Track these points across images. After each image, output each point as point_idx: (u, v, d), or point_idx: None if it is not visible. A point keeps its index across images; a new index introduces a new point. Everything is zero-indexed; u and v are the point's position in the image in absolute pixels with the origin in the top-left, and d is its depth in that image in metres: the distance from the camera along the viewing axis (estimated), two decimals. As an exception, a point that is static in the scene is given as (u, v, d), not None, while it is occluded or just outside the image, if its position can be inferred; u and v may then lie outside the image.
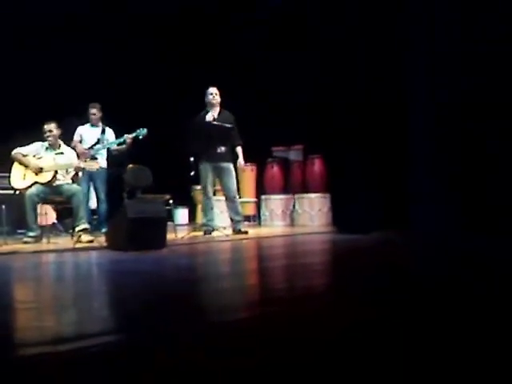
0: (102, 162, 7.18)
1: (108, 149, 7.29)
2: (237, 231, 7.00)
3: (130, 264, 4.38)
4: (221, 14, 9.16)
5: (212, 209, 7.15)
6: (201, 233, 7.03)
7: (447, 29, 6.39)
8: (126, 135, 7.10)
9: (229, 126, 6.88)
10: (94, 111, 7.33)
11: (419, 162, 6.82)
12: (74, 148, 7.05)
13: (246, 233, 6.97)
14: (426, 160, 6.75)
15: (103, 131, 7.31)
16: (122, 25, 8.83)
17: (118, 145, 7.22)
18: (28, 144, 6.56)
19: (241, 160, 7.28)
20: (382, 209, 6.71)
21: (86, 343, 1.87)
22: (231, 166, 7.10)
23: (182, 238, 6.56)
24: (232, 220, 7.14)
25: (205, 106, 7.09)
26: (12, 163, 6.47)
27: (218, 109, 7.07)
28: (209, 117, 6.93)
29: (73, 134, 7.30)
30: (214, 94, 7.05)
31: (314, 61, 7.92)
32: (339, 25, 7.28)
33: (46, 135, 6.54)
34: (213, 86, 7.12)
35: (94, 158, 6.92)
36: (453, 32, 6.31)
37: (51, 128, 6.54)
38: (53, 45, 8.27)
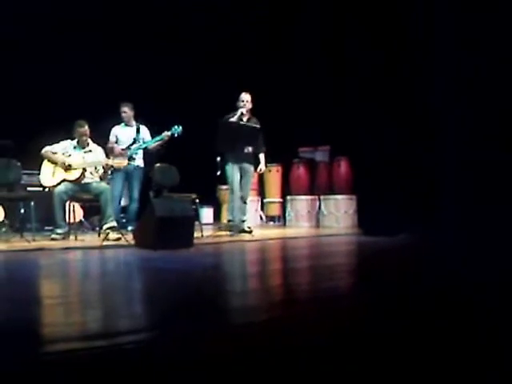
0: (138, 161, 7.22)
1: (145, 148, 7.31)
2: (242, 230, 6.97)
3: (157, 262, 4.39)
4: (252, 14, 9.15)
5: (238, 207, 7.12)
6: (225, 232, 7.01)
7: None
8: (164, 133, 7.08)
9: (257, 126, 6.87)
10: (125, 109, 7.34)
11: (447, 163, 6.73)
12: (111, 149, 7.08)
13: (251, 232, 6.91)
14: (455, 161, 6.66)
15: (138, 130, 7.33)
16: (155, 24, 8.87)
17: (157, 142, 7.21)
18: (57, 142, 6.62)
19: (262, 166, 7.33)
20: (408, 211, 6.64)
21: (112, 341, 1.87)
22: (252, 168, 7.14)
23: (209, 236, 6.57)
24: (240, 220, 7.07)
25: (235, 109, 7.06)
26: (41, 161, 6.54)
27: (247, 115, 7.06)
28: (236, 117, 6.91)
29: (108, 134, 7.32)
30: (245, 101, 7.01)
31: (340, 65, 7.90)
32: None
33: (78, 134, 6.57)
34: (246, 92, 7.08)
35: (131, 159, 6.96)
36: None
37: (86, 128, 6.59)
38: (85, 43, 8.34)
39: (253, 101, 7.10)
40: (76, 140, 6.62)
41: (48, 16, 8.02)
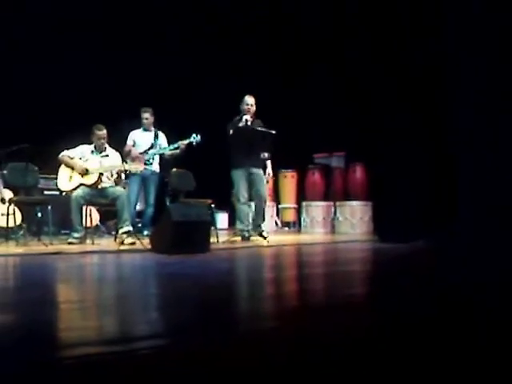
0: (155, 166, 7.25)
1: (162, 154, 7.32)
2: (260, 235, 6.92)
3: (173, 267, 4.40)
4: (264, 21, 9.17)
5: (248, 214, 7.08)
6: (239, 238, 6.99)
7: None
8: (180, 142, 7.06)
9: (272, 131, 6.82)
10: (147, 115, 7.39)
11: (465, 168, 6.68)
12: (128, 152, 7.12)
13: (266, 237, 6.84)
14: (472, 166, 6.61)
15: (156, 136, 7.37)
16: (175, 29, 8.93)
17: (172, 150, 7.23)
18: (75, 147, 6.67)
19: (270, 171, 7.35)
20: (424, 217, 6.59)
21: (127, 347, 1.87)
22: (262, 172, 7.10)
23: (224, 242, 6.57)
24: (258, 225, 7.00)
25: (239, 112, 7.06)
26: (59, 165, 6.59)
27: (251, 118, 7.00)
28: (242, 123, 6.87)
29: (125, 139, 7.37)
30: (250, 104, 6.94)
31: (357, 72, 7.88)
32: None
33: (96, 138, 6.61)
34: (250, 95, 7.01)
35: (148, 163, 6.98)
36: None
37: (104, 131, 6.64)
38: (104, 48, 8.41)
39: (256, 103, 7.02)
40: (93, 144, 6.66)
41: (65, 19, 8.10)
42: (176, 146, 7.13)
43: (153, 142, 7.35)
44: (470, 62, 6.47)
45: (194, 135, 7.00)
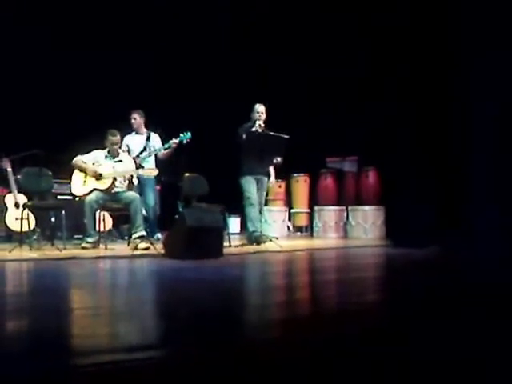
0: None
1: (156, 155, 7.31)
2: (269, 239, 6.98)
3: (187, 273, 4.40)
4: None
5: (259, 219, 7.08)
6: (250, 243, 6.93)
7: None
8: (171, 140, 7.07)
9: (284, 136, 6.79)
10: (135, 116, 7.38)
11: (478, 173, 6.64)
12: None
13: (277, 238, 6.94)
14: (485, 172, 6.57)
15: (148, 138, 7.37)
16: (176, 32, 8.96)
17: (164, 150, 7.20)
18: (88, 152, 6.68)
19: (272, 179, 7.42)
20: (438, 222, 6.56)
21: (136, 355, 1.86)
22: (266, 179, 7.19)
23: (237, 246, 6.57)
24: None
25: (249, 120, 7.02)
26: (72, 170, 6.60)
27: (262, 127, 6.98)
28: (256, 127, 6.87)
29: None
30: (261, 112, 6.95)
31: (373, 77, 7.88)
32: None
33: (109, 143, 6.62)
34: (260, 103, 7.01)
35: (141, 167, 6.96)
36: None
37: (118, 137, 6.65)
38: (116, 53, 8.45)
39: (267, 111, 7.02)
40: (107, 149, 6.67)
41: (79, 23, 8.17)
42: (167, 146, 7.12)
43: (145, 144, 7.34)
44: (483, 64, 6.45)
45: (184, 133, 7.03)
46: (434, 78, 6.99)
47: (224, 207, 6.91)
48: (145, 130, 7.45)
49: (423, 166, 6.94)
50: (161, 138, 7.42)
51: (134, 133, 7.45)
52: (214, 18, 8.97)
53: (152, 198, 7.22)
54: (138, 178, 6.70)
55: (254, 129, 6.85)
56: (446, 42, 6.83)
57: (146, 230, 6.41)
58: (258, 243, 6.84)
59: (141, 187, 7.13)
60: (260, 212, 7.11)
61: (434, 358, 1.77)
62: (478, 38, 6.53)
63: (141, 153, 7.29)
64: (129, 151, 7.32)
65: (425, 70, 7.06)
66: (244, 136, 6.71)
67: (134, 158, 7.12)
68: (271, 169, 7.28)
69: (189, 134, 7.04)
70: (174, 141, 7.06)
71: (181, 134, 7.05)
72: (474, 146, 6.65)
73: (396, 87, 7.40)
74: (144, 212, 7.33)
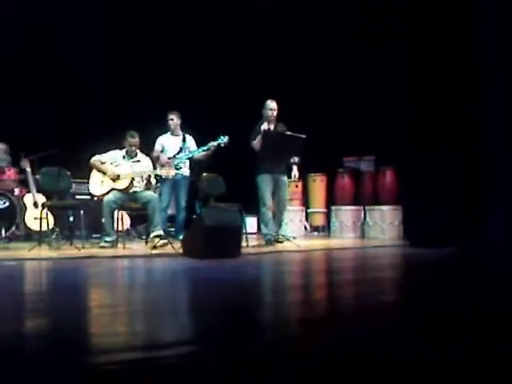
0: (185, 170, 7.26)
1: (191, 157, 7.33)
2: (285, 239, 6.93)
3: (206, 272, 4.40)
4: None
5: (272, 219, 7.03)
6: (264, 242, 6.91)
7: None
8: (210, 143, 7.09)
9: (302, 136, 6.76)
10: (172, 117, 7.38)
11: (497, 172, 6.57)
12: (157, 158, 7.12)
13: (295, 238, 6.87)
14: (505, 172, 6.51)
15: (184, 139, 7.38)
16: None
17: (202, 152, 7.23)
18: (106, 152, 6.71)
19: (296, 173, 7.35)
20: (456, 222, 6.50)
21: (157, 353, 1.86)
22: (286, 178, 7.17)
23: (254, 246, 6.56)
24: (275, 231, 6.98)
25: (261, 116, 7.02)
26: (90, 170, 6.65)
27: (274, 123, 7.00)
28: (264, 126, 6.87)
29: (153, 144, 7.36)
30: (273, 109, 6.94)
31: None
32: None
33: (128, 144, 6.65)
34: (272, 99, 7.00)
35: (177, 168, 6.99)
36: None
37: (136, 139, 6.68)
38: (138, 55, 8.48)
39: (282, 109, 6.99)
40: (125, 150, 6.70)
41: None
42: (206, 148, 7.13)
43: (181, 145, 7.35)
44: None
45: (222, 136, 7.04)
46: (453, 77, 6.93)
47: (241, 206, 6.91)
48: (180, 131, 7.47)
49: (441, 165, 6.89)
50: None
51: (169, 133, 7.45)
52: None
53: (184, 198, 7.23)
54: (172, 178, 6.75)
55: (266, 127, 6.85)
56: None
57: (169, 230, 6.39)
58: (267, 243, 6.80)
59: (175, 188, 7.14)
60: (281, 212, 7.04)
61: (453, 359, 1.75)
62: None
63: (177, 154, 7.30)
64: (163, 151, 7.32)
65: (444, 70, 7.01)
66: (257, 139, 6.68)
67: (169, 159, 7.14)
68: (295, 168, 7.25)
69: (226, 138, 7.04)
70: (213, 143, 7.07)
71: (219, 138, 7.05)
72: (494, 145, 6.58)
73: (414, 87, 7.35)
74: (170, 211, 7.36)
